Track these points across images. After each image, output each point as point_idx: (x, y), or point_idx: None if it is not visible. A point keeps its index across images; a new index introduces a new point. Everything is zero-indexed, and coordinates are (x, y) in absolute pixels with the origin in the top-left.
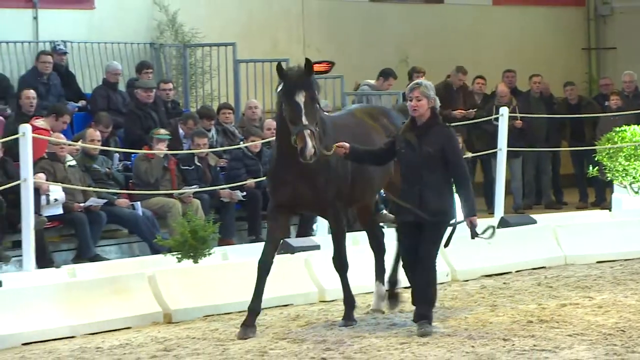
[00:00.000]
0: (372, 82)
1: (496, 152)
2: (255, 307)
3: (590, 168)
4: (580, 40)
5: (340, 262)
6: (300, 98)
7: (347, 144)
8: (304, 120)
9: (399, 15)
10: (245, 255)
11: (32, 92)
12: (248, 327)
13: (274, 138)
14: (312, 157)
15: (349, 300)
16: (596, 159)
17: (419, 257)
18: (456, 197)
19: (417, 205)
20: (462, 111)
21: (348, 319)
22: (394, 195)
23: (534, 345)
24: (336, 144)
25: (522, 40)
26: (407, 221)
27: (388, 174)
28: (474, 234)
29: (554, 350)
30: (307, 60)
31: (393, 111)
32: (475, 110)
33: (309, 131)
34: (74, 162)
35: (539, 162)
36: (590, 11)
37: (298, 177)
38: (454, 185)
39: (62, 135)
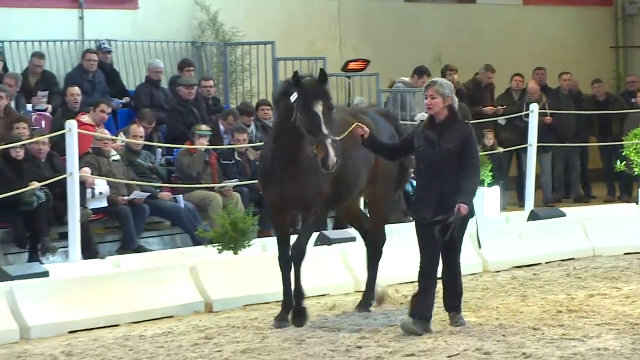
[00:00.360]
0: (407, 79)
1: (526, 147)
2: (289, 303)
3: (618, 163)
4: (608, 39)
5: (298, 252)
6: (319, 108)
7: (367, 128)
8: (324, 130)
9: (433, 14)
10: None
11: (76, 89)
12: (282, 320)
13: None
14: (334, 167)
15: (298, 291)
16: (623, 154)
17: (444, 254)
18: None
19: (435, 202)
20: (492, 108)
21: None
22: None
23: (563, 335)
24: (357, 123)
25: (551, 39)
26: (423, 222)
27: (371, 166)
28: (443, 233)
29: (582, 339)
30: (322, 70)
31: (372, 112)
32: (504, 107)
33: (330, 141)
34: (118, 157)
35: (568, 157)
36: (617, 11)
37: (286, 177)
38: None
39: (106, 131)
